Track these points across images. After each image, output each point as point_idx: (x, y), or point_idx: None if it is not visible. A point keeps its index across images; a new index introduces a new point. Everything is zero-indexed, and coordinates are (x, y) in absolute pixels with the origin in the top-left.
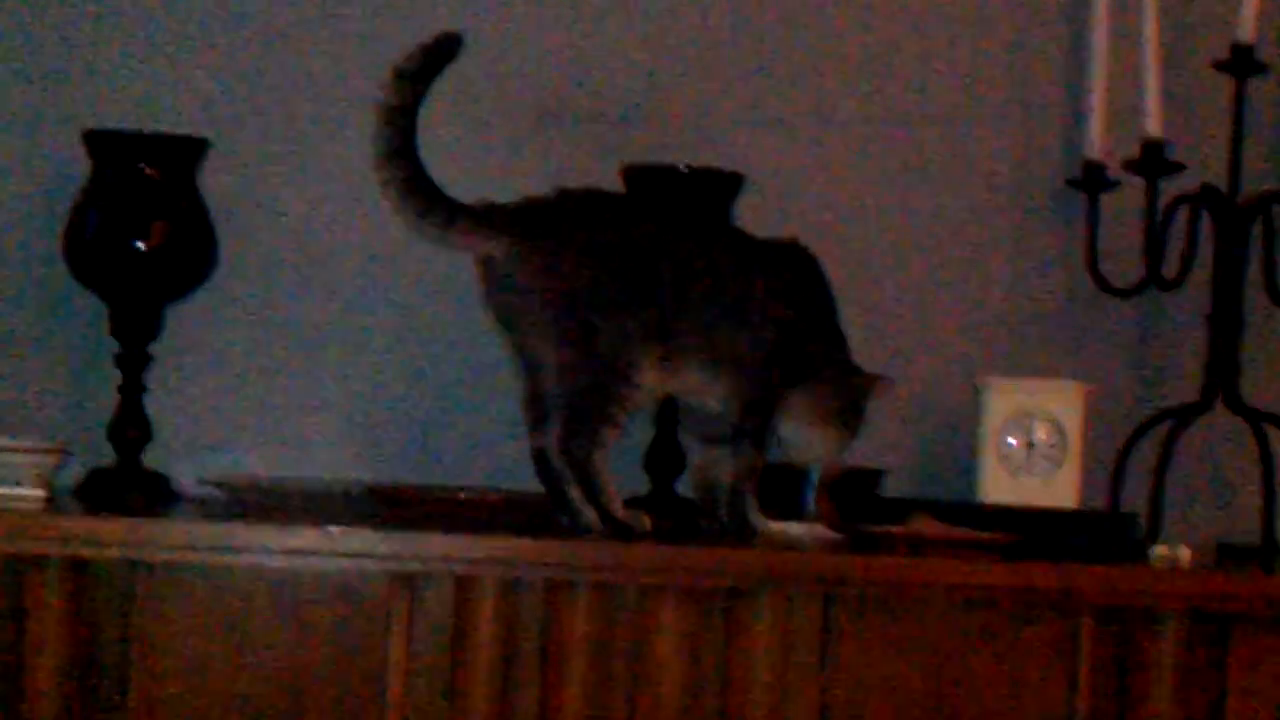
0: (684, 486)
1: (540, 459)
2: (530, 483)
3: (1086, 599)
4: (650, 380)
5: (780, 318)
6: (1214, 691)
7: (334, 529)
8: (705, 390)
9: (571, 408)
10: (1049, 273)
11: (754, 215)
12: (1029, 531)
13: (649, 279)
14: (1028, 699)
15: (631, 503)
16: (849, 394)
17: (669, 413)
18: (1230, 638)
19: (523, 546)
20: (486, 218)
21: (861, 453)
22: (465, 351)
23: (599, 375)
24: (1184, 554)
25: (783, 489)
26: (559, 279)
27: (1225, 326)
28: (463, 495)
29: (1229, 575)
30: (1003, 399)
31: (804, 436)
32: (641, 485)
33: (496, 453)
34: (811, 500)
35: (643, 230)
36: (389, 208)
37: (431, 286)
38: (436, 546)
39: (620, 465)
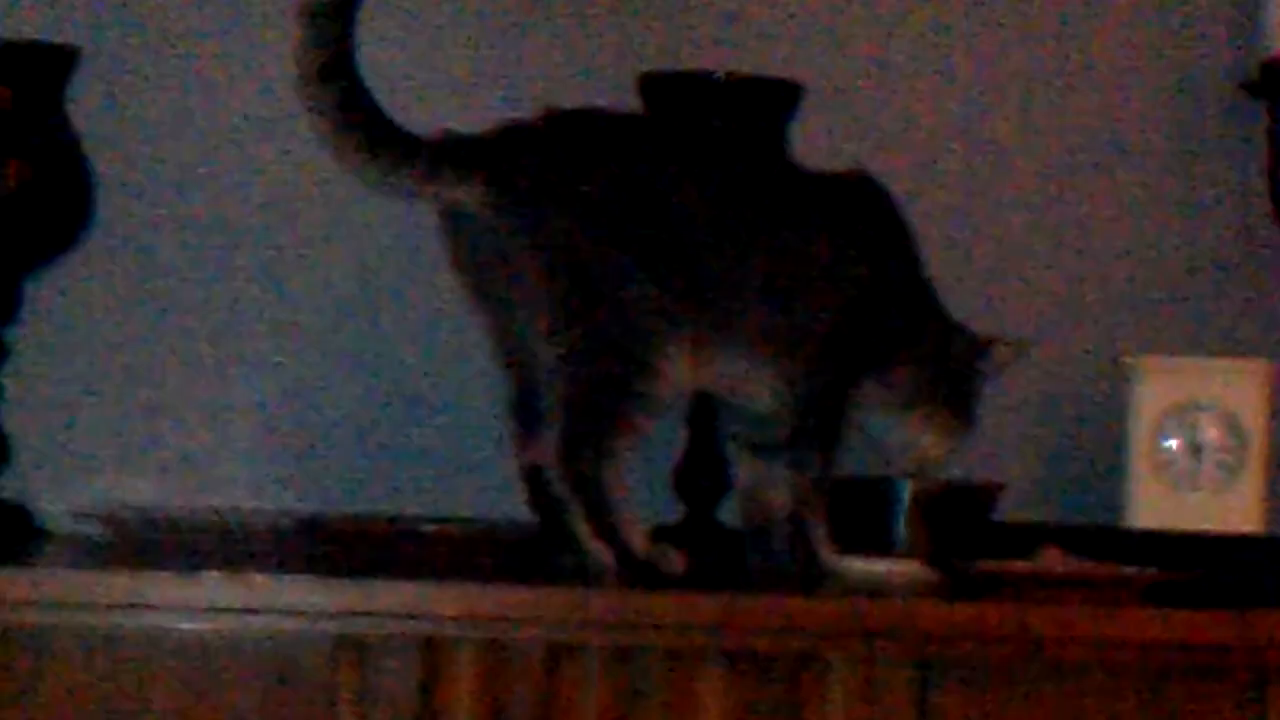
0: (729, 513)
1: (533, 479)
2: (519, 511)
3: (1274, 656)
4: (678, 371)
5: (849, 279)
6: None
7: (258, 577)
8: (752, 383)
9: (573, 410)
10: (1218, 210)
11: (815, 141)
12: (1196, 565)
13: (674, 232)
14: None
15: (659, 535)
16: (956, 365)
17: (707, 414)
18: None
19: (512, 597)
20: (452, 154)
21: (969, 461)
22: (428, 336)
23: (609, 365)
24: None
25: (861, 512)
26: (552, 235)
27: None
28: (429, 528)
29: None
30: (1158, 385)
31: (897, 430)
32: (673, 511)
33: (473, 471)
34: (901, 527)
35: (664, 165)
36: (320, 142)
37: (380, 251)
38: (395, 599)
39: (643, 485)
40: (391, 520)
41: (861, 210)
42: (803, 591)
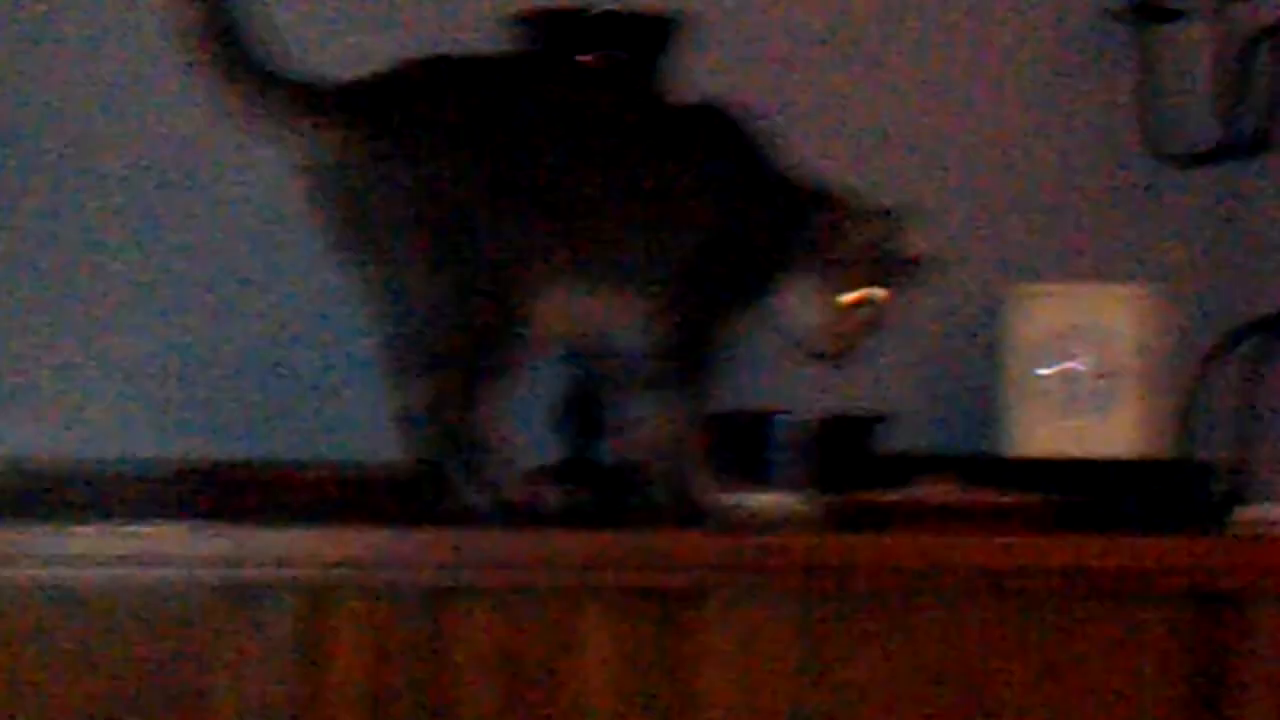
0: (608, 450)
1: (407, 423)
2: (398, 455)
3: (1154, 580)
4: (551, 313)
5: (703, 213)
6: None
7: (139, 527)
8: (619, 323)
9: (444, 355)
10: (1091, 137)
11: (698, 73)
12: (1075, 492)
13: (541, 174)
14: (1078, 711)
15: (537, 474)
16: (861, 244)
17: (582, 353)
18: None
19: (391, 541)
20: (311, 95)
21: (849, 392)
22: (301, 283)
23: (479, 310)
24: None
25: (740, 446)
26: (417, 179)
27: None
28: (311, 474)
29: None
30: (1035, 312)
31: (811, 316)
32: (550, 451)
33: (355, 416)
34: (781, 460)
35: (529, 106)
36: (191, 93)
37: (252, 199)
38: (278, 545)
39: (520, 425)
40: (269, 466)
41: (712, 141)
42: (681, 527)
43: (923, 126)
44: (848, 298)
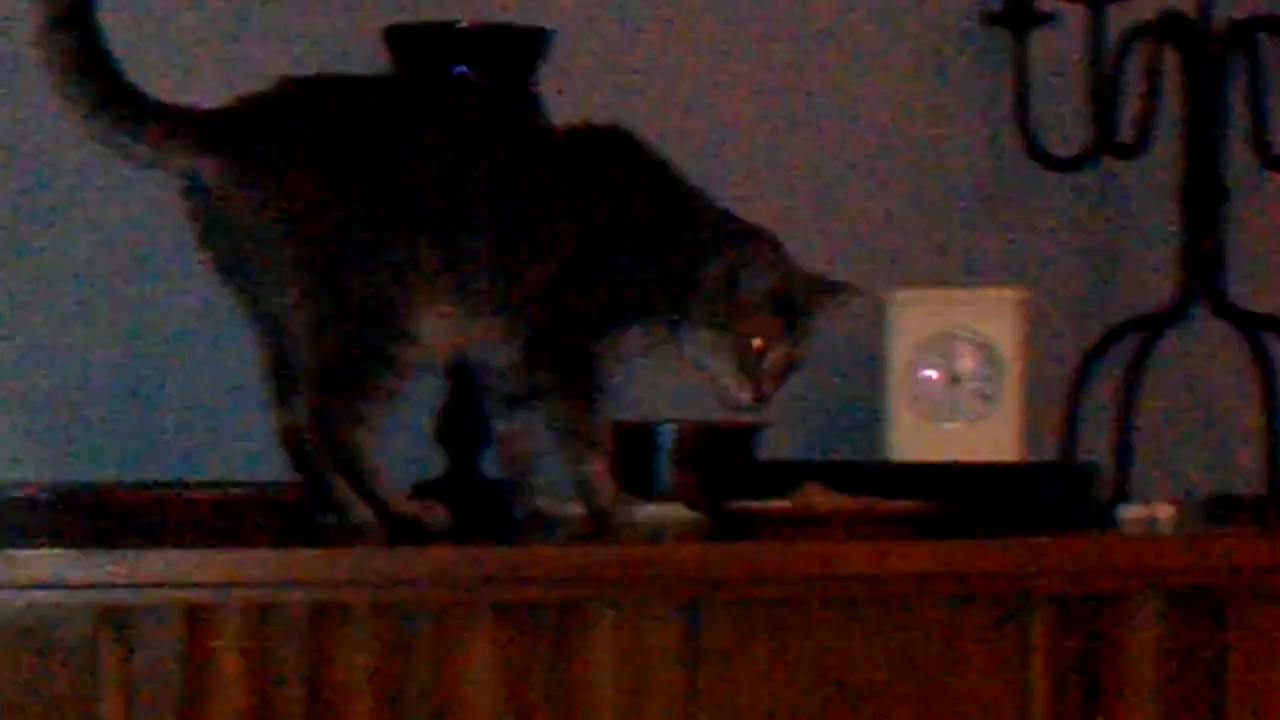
0: (491, 464)
1: (291, 441)
2: (284, 472)
3: (1037, 581)
4: (431, 331)
5: (574, 234)
6: (1208, 687)
7: (15, 551)
8: (495, 343)
9: (324, 375)
10: (966, 143)
11: (569, 88)
12: (956, 496)
13: (417, 194)
14: (966, 712)
15: (421, 489)
16: (767, 281)
17: (464, 368)
18: (1227, 618)
19: (275, 559)
20: (186, 121)
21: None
22: (182, 301)
23: (358, 331)
24: (1164, 513)
25: (624, 457)
26: (292, 204)
27: (1202, 202)
28: (189, 493)
29: (1224, 538)
30: (914, 317)
31: (712, 368)
32: (434, 466)
33: (236, 434)
34: (665, 471)
35: (405, 127)
36: (65, 106)
37: (130, 216)
38: (156, 567)
39: (404, 440)
40: (151, 487)
41: (596, 163)
42: (569, 542)
43: (798, 133)
44: (756, 343)
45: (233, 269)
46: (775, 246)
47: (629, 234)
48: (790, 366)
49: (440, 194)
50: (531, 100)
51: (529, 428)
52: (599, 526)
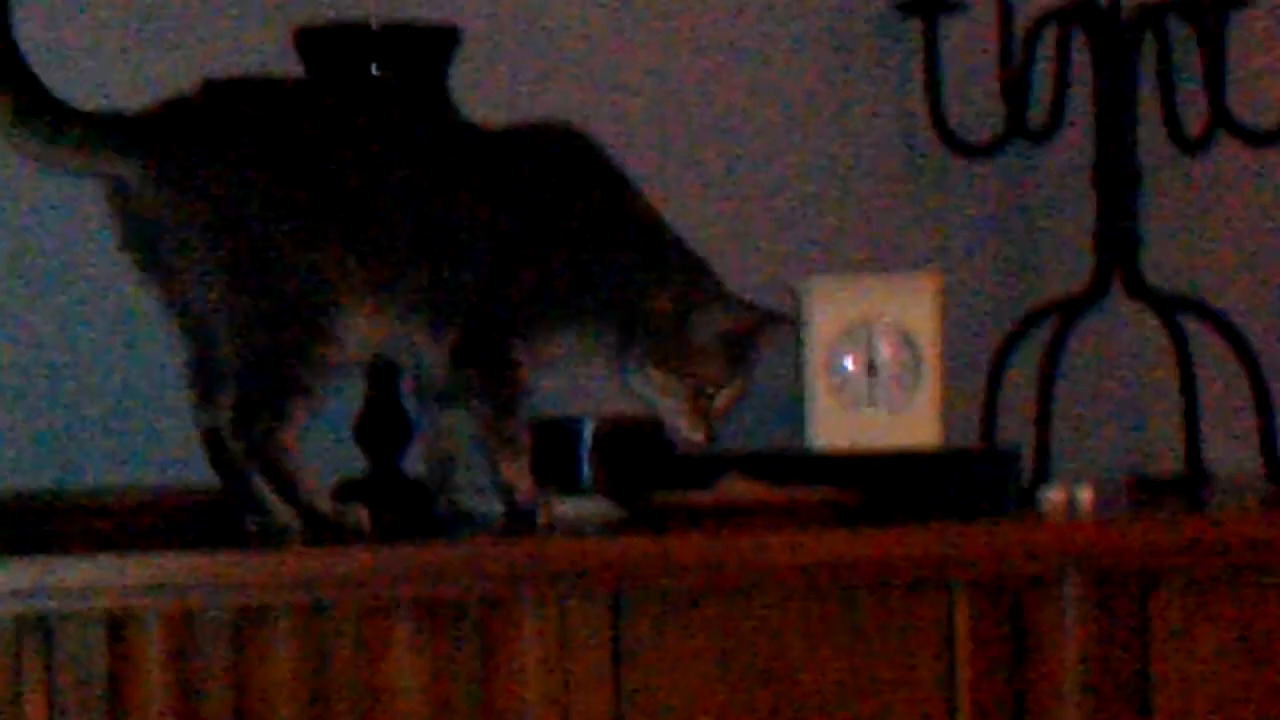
0: (412, 462)
1: (213, 442)
2: (206, 476)
3: (960, 566)
4: (351, 334)
5: (498, 235)
6: (1132, 668)
7: None
8: (418, 344)
9: (247, 375)
10: (878, 130)
11: (482, 84)
12: (877, 483)
13: (339, 195)
14: (892, 698)
15: (344, 491)
16: (675, 322)
17: (386, 365)
18: (1150, 600)
19: (196, 564)
20: (106, 127)
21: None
22: (99, 303)
23: (280, 331)
24: (1084, 496)
25: (545, 452)
26: (214, 205)
27: (1116, 186)
28: (109, 500)
29: (1144, 519)
30: (831, 305)
31: (641, 387)
32: (355, 465)
33: (152, 438)
34: (585, 465)
35: (326, 127)
36: None
37: (43, 217)
38: (76, 573)
39: (325, 439)
40: (70, 494)
41: (532, 162)
42: (494, 539)
43: (709, 122)
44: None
45: (156, 270)
46: (718, 281)
47: (564, 237)
48: (734, 402)
49: (360, 194)
50: (444, 95)
51: (451, 427)
52: (520, 524)
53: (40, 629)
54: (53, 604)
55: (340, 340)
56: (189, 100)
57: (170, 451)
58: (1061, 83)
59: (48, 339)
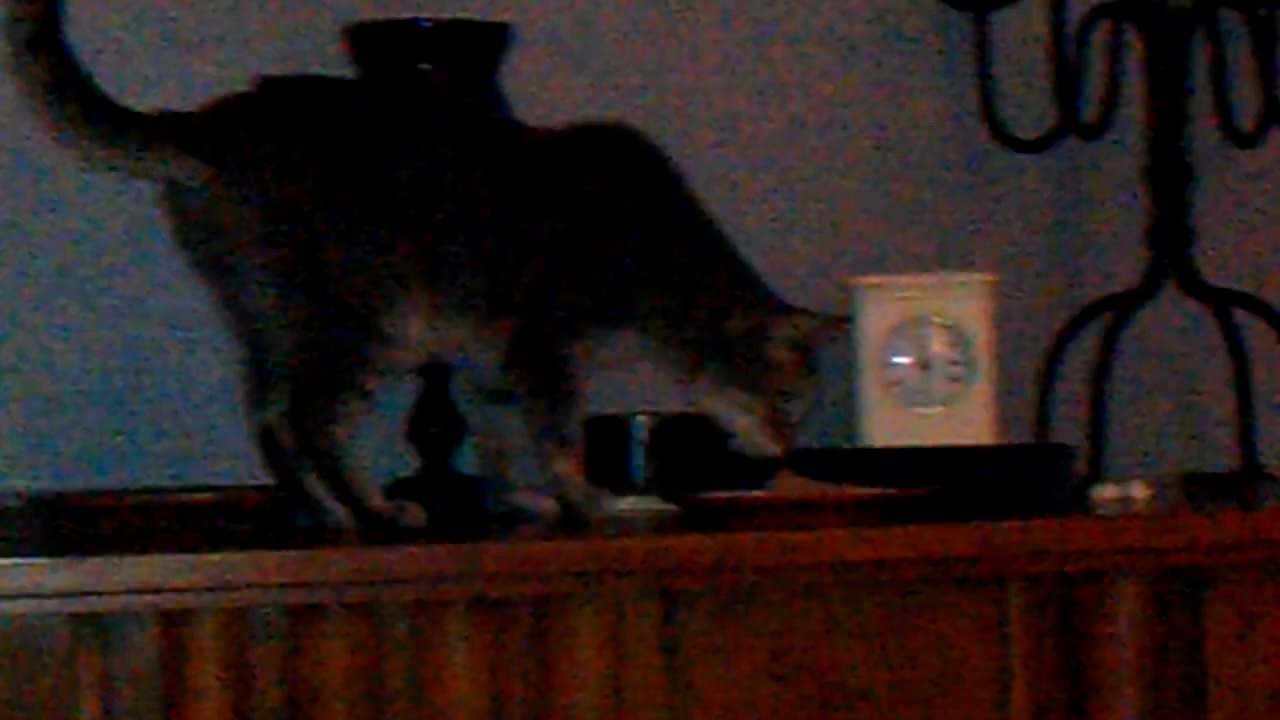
0: (465, 462)
1: (267, 441)
2: (260, 476)
3: (1014, 564)
4: (412, 332)
5: (553, 234)
6: (1188, 666)
7: None
8: (473, 343)
9: (302, 375)
10: (930, 127)
11: (533, 82)
12: (931, 481)
13: (395, 194)
14: (947, 697)
15: (396, 490)
16: (736, 332)
17: (438, 365)
18: (1205, 597)
19: (251, 562)
20: (165, 129)
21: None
22: (156, 304)
23: (336, 331)
24: (1138, 492)
25: (599, 450)
26: (273, 205)
27: (1168, 180)
28: (166, 498)
29: (1199, 516)
30: (884, 303)
31: (700, 400)
32: (408, 464)
33: (210, 439)
34: (639, 463)
35: (382, 126)
36: (33, 115)
37: (103, 219)
38: (132, 572)
39: (378, 438)
40: (128, 492)
41: (589, 163)
42: (548, 537)
43: (761, 121)
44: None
45: (212, 267)
46: (769, 289)
47: (618, 238)
48: (811, 408)
49: (414, 193)
50: (496, 92)
51: (505, 425)
52: (573, 522)
53: (95, 628)
54: (108, 603)
55: (394, 339)
56: (244, 99)
57: (224, 451)
58: (1113, 77)
59: (103, 340)
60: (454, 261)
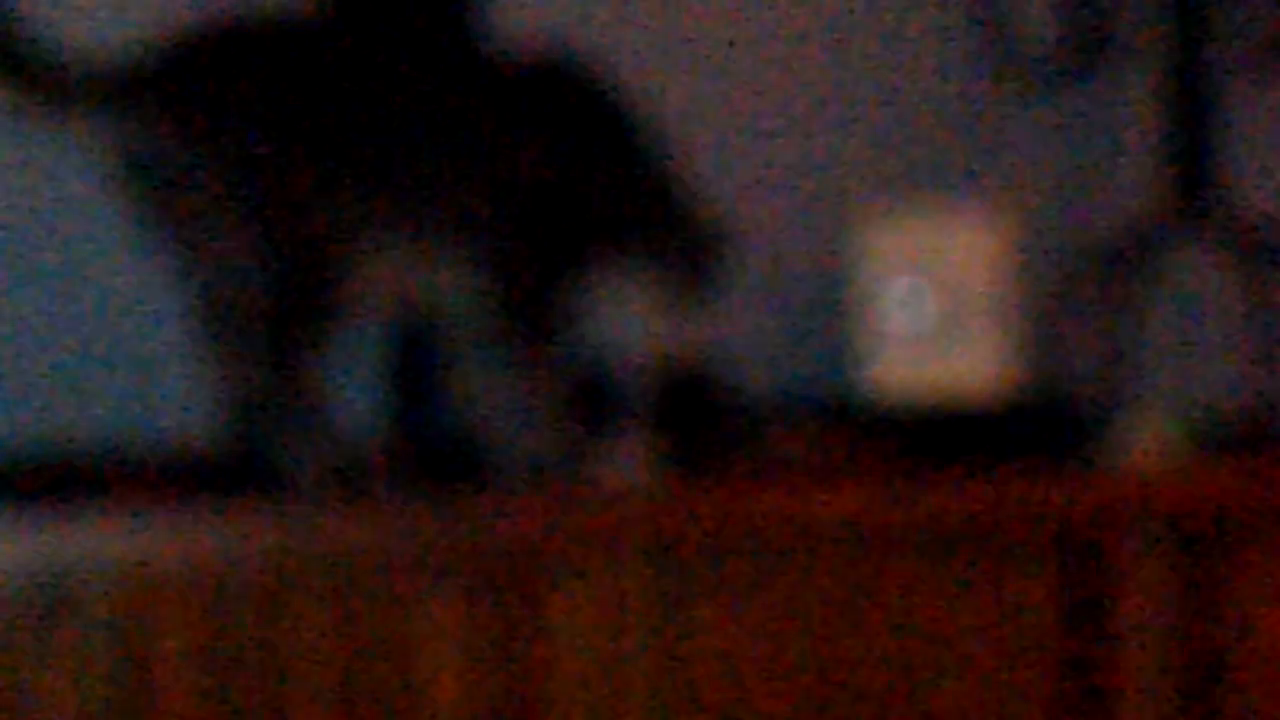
0: (442, 415)
1: (230, 402)
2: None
3: (1026, 520)
4: (381, 277)
5: (529, 172)
6: (1215, 624)
7: None
8: (457, 287)
9: (273, 323)
10: (935, 58)
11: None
12: (935, 434)
13: (368, 132)
14: (956, 663)
15: (372, 446)
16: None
17: (415, 314)
18: (1232, 551)
19: (218, 526)
20: (105, 80)
21: (689, 341)
22: (108, 267)
23: (309, 276)
24: (1157, 443)
25: (589, 402)
26: (224, 152)
27: (1188, 115)
28: (122, 460)
29: (1223, 466)
30: (884, 245)
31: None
32: (380, 419)
33: (167, 401)
34: (631, 416)
35: (347, 65)
36: None
37: (47, 178)
38: (98, 540)
39: (354, 393)
40: (85, 455)
41: (551, 99)
42: (536, 490)
43: (765, 63)
44: None
45: (162, 224)
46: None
47: (593, 178)
48: None
49: (378, 132)
50: (470, 27)
51: (485, 377)
52: (561, 477)
53: (55, 595)
54: (70, 568)
55: (366, 285)
56: (191, 42)
57: (183, 412)
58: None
59: (51, 308)
60: (425, 201)
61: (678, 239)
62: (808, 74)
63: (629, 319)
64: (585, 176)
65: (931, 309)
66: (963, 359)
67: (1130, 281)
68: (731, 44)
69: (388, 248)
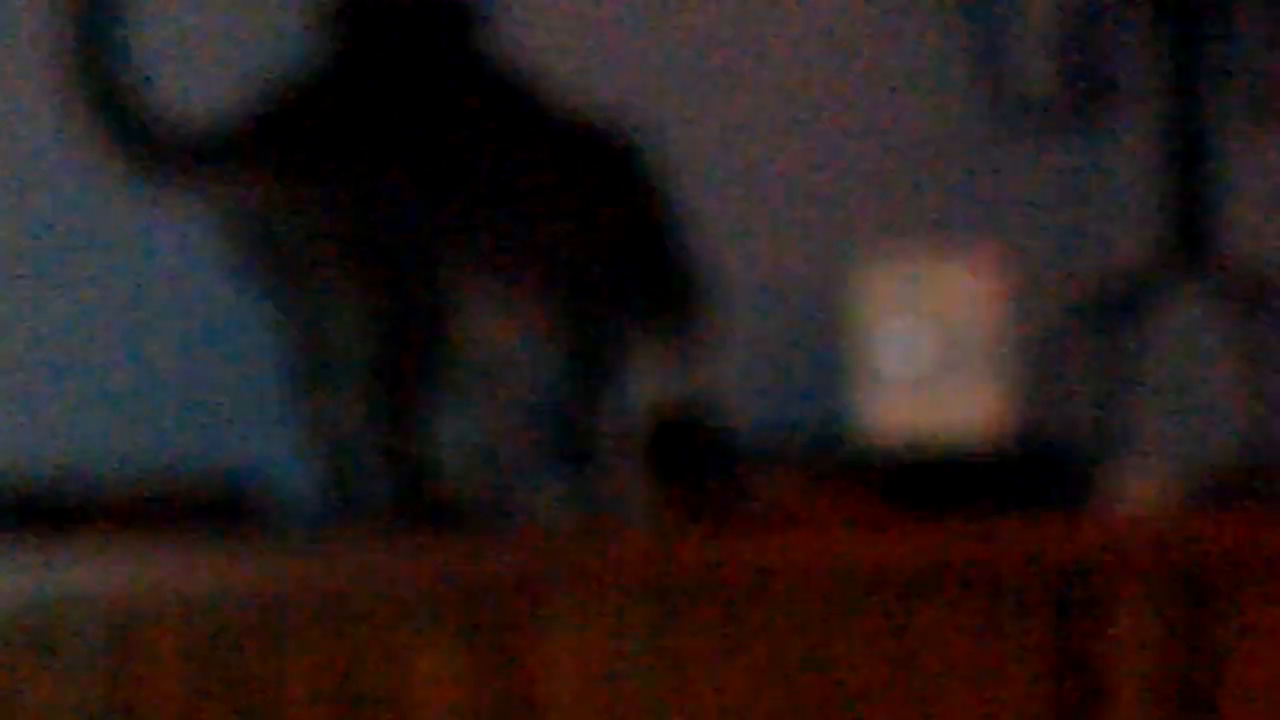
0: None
1: (331, 440)
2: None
3: (1018, 567)
4: (473, 333)
5: (588, 231)
6: (1207, 675)
7: None
8: (529, 341)
9: (377, 372)
10: (933, 102)
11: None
12: (928, 478)
13: (455, 189)
14: (950, 709)
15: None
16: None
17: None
18: (1225, 602)
19: (216, 559)
20: (210, 145)
21: (684, 384)
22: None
23: (408, 329)
24: (1152, 490)
25: (585, 445)
26: (337, 210)
27: (1186, 162)
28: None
29: (1218, 515)
30: (878, 288)
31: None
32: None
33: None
34: (621, 458)
35: (436, 113)
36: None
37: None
38: (85, 569)
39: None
40: (89, 485)
41: (603, 162)
42: (542, 532)
43: (760, 93)
44: None
45: (272, 278)
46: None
47: (630, 236)
48: None
49: (474, 181)
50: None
51: (497, 416)
52: (557, 518)
53: (46, 625)
54: (61, 599)
55: (461, 340)
56: (292, 101)
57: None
58: (1127, 47)
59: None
60: (509, 261)
61: (672, 283)
62: (805, 116)
63: (625, 363)
64: (594, 226)
65: (928, 354)
66: (959, 404)
67: (1126, 327)
68: (730, 86)
69: (483, 305)
